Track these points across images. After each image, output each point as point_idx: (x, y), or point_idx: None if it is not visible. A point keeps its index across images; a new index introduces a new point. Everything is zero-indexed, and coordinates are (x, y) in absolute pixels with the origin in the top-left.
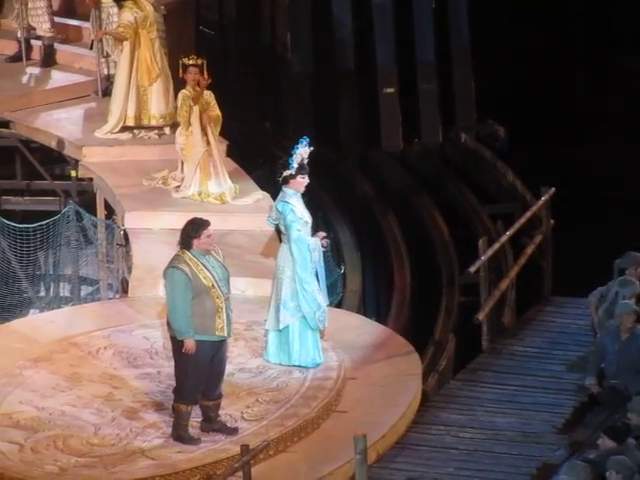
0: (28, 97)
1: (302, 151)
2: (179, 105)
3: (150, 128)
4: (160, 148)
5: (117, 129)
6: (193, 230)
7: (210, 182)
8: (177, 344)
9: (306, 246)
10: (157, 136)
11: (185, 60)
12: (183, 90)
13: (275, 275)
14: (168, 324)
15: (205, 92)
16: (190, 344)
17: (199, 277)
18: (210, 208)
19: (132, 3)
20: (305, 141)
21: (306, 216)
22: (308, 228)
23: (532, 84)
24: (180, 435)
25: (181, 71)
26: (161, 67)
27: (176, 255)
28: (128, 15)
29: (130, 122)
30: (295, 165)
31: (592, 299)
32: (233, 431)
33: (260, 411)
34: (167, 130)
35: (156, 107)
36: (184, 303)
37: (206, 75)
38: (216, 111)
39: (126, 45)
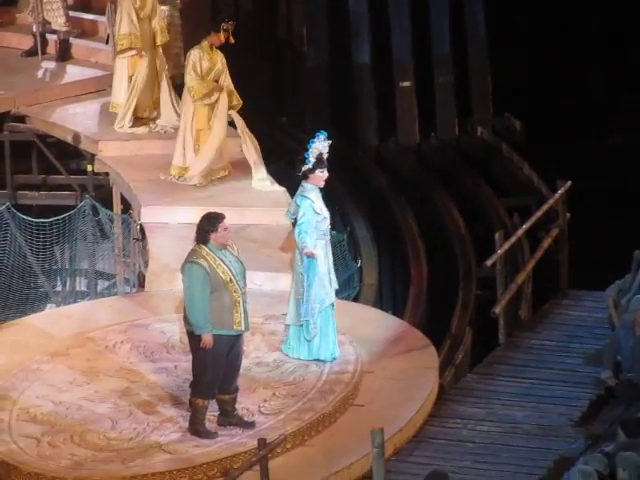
0: (44, 92)
1: (319, 145)
2: (188, 69)
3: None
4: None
5: (127, 120)
6: (209, 224)
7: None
8: (195, 339)
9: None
10: (173, 130)
11: (227, 24)
12: (193, 52)
13: (294, 269)
14: (185, 319)
15: (219, 54)
16: (208, 339)
17: (217, 271)
18: (228, 202)
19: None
20: (322, 135)
21: (325, 212)
22: (327, 224)
23: (548, 77)
24: (197, 429)
25: (221, 32)
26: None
27: (193, 250)
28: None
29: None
30: (312, 159)
31: (609, 293)
32: (250, 425)
33: (277, 405)
34: None
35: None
36: (203, 298)
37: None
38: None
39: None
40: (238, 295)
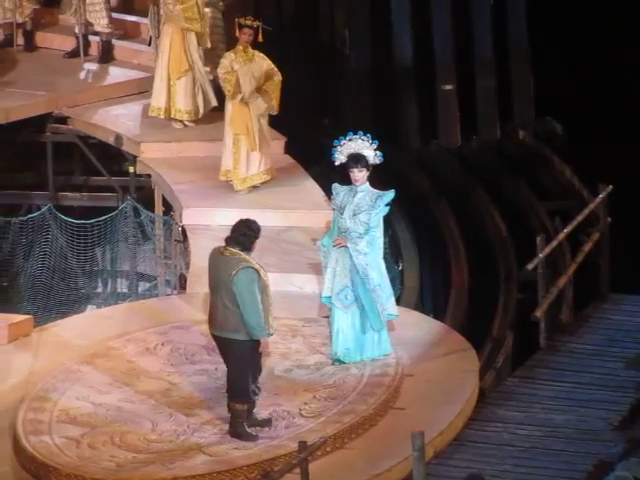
0: (86, 93)
1: (352, 145)
2: (220, 72)
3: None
4: (219, 144)
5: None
6: (254, 231)
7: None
8: (231, 344)
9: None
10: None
11: (241, 20)
12: (226, 54)
13: None
14: (211, 324)
15: (256, 53)
16: (266, 342)
17: (261, 275)
18: (270, 204)
19: None
20: (351, 135)
21: (346, 211)
22: (344, 223)
23: (590, 81)
24: (238, 432)
25: (237, 30)
26: (192, 62)
27: (233, 256)
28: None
29: (161, 114)
30: (337, 157)
31: None
32: (267, 422)
33: (318, 408)
34: None
35: (182, 102)
36: (258, 302)
37: (260, 37)
38: (274, 77)
39: (166, 35)
40: (270, 298)
